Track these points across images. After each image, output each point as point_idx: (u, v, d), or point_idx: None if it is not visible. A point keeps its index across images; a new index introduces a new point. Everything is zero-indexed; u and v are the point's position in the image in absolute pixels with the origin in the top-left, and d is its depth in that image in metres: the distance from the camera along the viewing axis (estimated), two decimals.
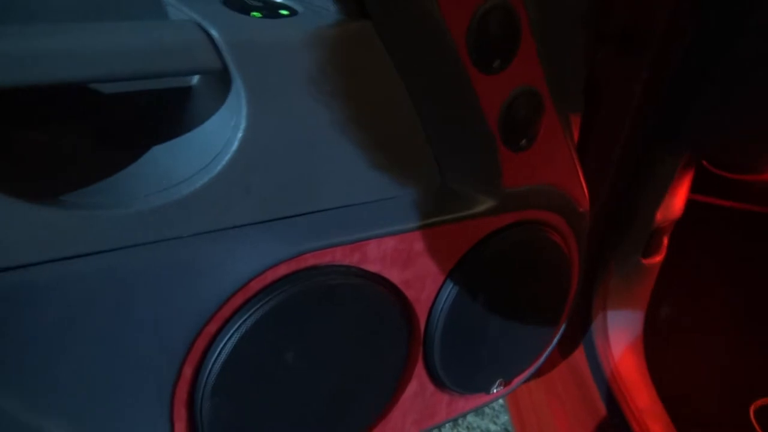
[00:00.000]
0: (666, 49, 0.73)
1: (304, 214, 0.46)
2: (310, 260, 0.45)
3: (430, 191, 0.53)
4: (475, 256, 0.55)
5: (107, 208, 0.37)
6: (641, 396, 0.79)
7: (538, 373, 0.88)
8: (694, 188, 1.04)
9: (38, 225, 0.35)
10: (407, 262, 0.51)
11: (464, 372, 0.60)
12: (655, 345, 0.93)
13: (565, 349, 0.87)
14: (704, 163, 1.02)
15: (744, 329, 1.10)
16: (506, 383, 0.65)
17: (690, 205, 0.98)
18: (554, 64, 0.56)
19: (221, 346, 0.43)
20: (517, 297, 0.60)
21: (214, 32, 0.38)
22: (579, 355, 0.86)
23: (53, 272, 0.36)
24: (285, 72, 0.41)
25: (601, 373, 0.82)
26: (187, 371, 0.43)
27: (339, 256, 0.47)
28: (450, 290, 0.55)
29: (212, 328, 0.42)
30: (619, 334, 0.85)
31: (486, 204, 0.54)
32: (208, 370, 0.43)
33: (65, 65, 0.34)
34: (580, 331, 0.87)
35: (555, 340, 0.69)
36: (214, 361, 0.43)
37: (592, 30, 0.71)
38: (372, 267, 0.49)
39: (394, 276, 0.51)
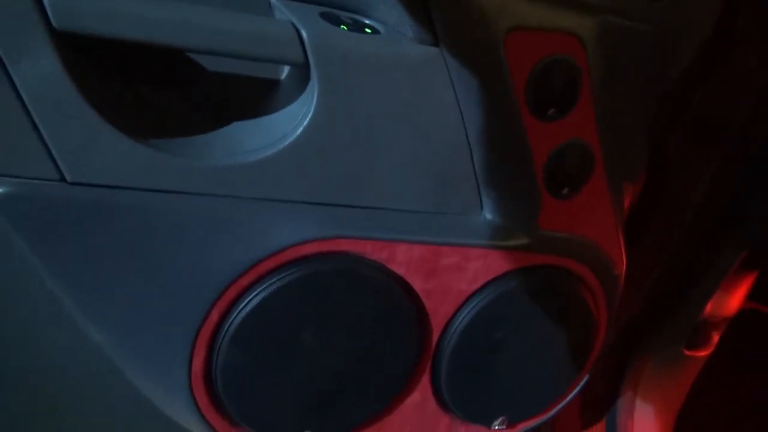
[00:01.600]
0: (741, 142, 0.74)
1: (348, 206, 0.51)
2: (343, 245, 0.51)
3: (466, 215, 0.57)
4: (498, 287, 0.58)
5: (183, 156, 0.45)
6: None
7: None
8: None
9: (128, 156, 0.43)
10: (431, 274, 0.55)
11: (467, 397, 0.62)
12: None
13: (587, 420, 0.86)
14: None
15: None
16: (510, 424, 0.66)
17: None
18: (616, 129, 0.59)
19: (248, 299, 0.49)
20: (533, 339, 0.62)
21: (303, 32, 0.45)
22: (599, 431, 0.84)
23: (131, 198, 0.44)
24: (356, 79, 0.48)
25: None
26: (214, 315, 0.49)
27: (369, 249, 0.52)
28: (468, 312, 0.58)
29: (244, 281, 0.48)
30: (646, 422, 0.83)
31: (518, 240, 0.57)
32: (231, 319, 0.49)
33: (185, 34, 0.42)
34: (605, 406, 0.86)
35: (567, 398, 0.69)
36: (239, 312, 0.49)
37: (665, 109, 0.74)
38: (397, 269, 0.54)
39: (417, 283, 0.55)
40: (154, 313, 0.47)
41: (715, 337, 0.89)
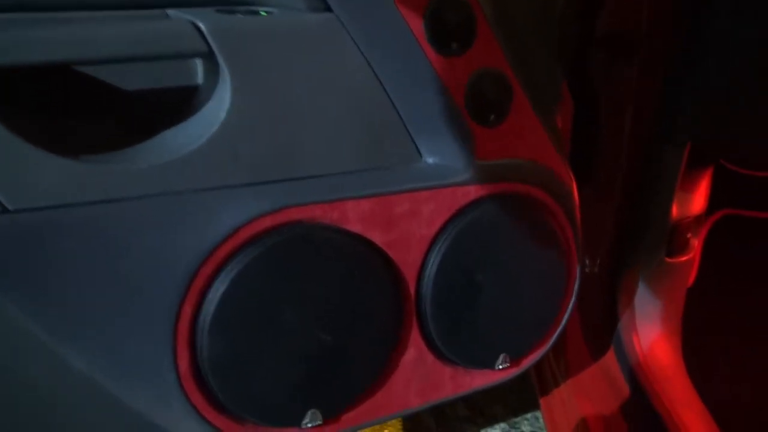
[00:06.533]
0: (652, 50, 0.78)
1: (286, 180, 0.53)
2: (292, 215, 0.52)
3: (407, 164, 0.59)
4: (457, 224, 0.60)
5: (116, 163, 0.47)
6: (673, 387, 0.76)
7: (568, 373, 0.87)
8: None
9: (63, 175, 0.45)
10: (388, 225, 0.57)
11: (462, 341, 0.63)
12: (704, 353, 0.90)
13: (595, 350, 0.86)
14: (723, 162, 1.02)
15: None
16: (513, 361, 0.67)
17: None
18: (524, 54, 0.62)
19: (216, 287, 0.50)
20: (508, 269, 0.64)
21: (201, 24, 0.48)
22: (610, 356, 0.85)
23: (75, 214, 0.45)
24: (261, 56, 0.50)
25: (630, 369, 0.80)
26: (187, 310, 0.49)
27: (319, 213, 0.53)
28: (435, 255, 0.59)
29: (207, 270, 0.49)
30: (649, 331, 0.83)
31: (461, 175, 0.59)
32: (205, 310, 0.50)
33: (86, 48, 0.45)
34: (608, 332, 0.86)
35: (563, 322, 0.70)
36: (210, 300, 0.50)
37: (569, 32, 0.78)
38: (353, 227, 0.55)
39: (377, 237, 0.56)
40: (126, 322, 0.48)
41: (693, 241, 0.91)
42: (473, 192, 0.60)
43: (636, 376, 0.79)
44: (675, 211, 0.85)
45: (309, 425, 0.56)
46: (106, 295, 0.47)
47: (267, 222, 0.51)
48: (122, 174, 0.47)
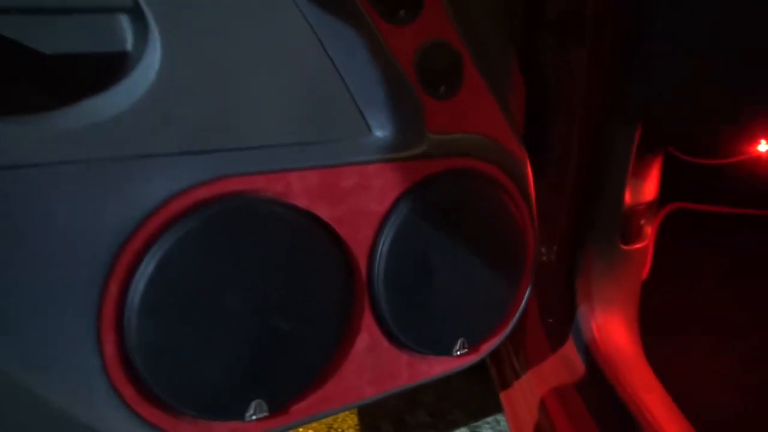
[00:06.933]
0: (603, 29, 0.78)
1: (224, 150, 0.49)
2: (230, 186, 0.48)
3: (355, 138, 0.56)
4: (410, 200, 0.57)
5: (29, 126, 0.42)
6: (632, 371, 0.75)
7: (528, 365, 0.85)
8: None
9: None
10: (336, 199, 0.53)
11: (417, 324, 0.60)
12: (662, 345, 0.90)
13: (554, 338, 0.84)
14: (673, 152, 1.04)
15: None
16: (472, 347, 0.64)
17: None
18: (473, 27, 0.61)
19: (145, 262, 0.45)
20: (464, 247, 0.61)
21: None
22: (569, 344, 0.83)
23: None
24: (195, 17, 0.47)
25: (589, 355, 0.79)
26: (113, 289, 0.45)
27: (260, 185, 0.50)
28: (387, 232, 0.56)
29: (135, 244, 0.45)
30: (606, 318, 0.82)
31: (413, 149, 0.57)
32: (134, 288, 0.45)
33: None
34: (567, 323, 0.85)
35: (521, 305, 0.68)
36: (140, 277, 0.45)
37: (516, 11, 0.77)
38: (298, 201, 0.52)
39: (324, 212, 0.53)
40: (42, 302, 0.43)
41: (647, 228, 0.91)
42: (425, 167, 0.58)
43: (595, 361, 0.77)
44: (628, 197, 0.85)
45: (254, 417, 0.52)
46: (18, 270, 0.42)
47: (202, 193, 0.47)
48: (35, 137, 0.42)
